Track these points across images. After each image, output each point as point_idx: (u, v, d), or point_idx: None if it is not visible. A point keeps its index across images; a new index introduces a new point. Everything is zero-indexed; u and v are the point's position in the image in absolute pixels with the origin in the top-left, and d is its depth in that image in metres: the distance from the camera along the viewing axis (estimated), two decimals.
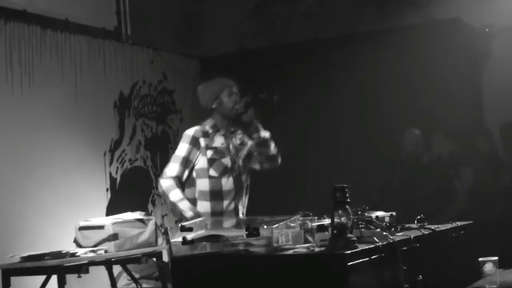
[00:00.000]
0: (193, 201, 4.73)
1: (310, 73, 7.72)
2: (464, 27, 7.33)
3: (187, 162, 4.73)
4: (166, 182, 4.73)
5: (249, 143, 4.91)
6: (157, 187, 7.55)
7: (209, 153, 4.72)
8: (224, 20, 8.53)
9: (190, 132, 4.78)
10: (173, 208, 4.72)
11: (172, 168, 4.74)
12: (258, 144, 4.83)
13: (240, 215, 4.79)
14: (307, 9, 8.29)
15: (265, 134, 4.84)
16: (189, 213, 4.63)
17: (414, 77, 7.17)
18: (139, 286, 6.30)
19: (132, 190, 7.26)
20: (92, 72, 6.92)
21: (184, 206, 4.67)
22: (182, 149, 4.75)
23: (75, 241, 5.41)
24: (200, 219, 4.17)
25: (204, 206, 4.71)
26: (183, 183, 4.78)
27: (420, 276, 3.86)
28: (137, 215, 5.64)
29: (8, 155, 5.99)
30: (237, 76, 5.00)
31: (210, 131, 4.78)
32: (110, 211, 6.74)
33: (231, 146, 4.83)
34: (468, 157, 6.70)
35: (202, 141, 4.74)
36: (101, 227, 5.33)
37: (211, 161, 4.71)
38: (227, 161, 4.77)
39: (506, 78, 7.24)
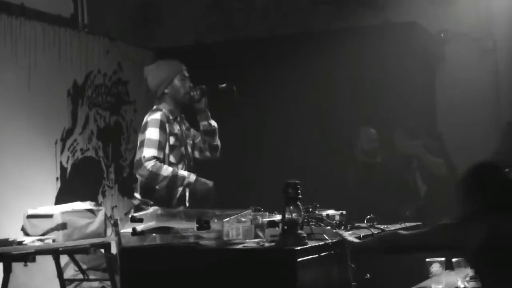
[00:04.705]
0: (150, 187, 4.59)
1: (266, 70, 7.71)
2: (420, 31, 7.40)
3: (162, 146, 4.54)
4: (149, 163, 4.45)
5: (192, 130, 4.87)
6: (107, 178, 7.55)
7: (172, 139, 4.61)
8: (181, 13, 8.49)
9: (157, 116, 4.58)
10: (172, 180, 4.48)
11: (149, 152, 4.48)
12: (205, 132, 4.80)
13: (187, 203, 4.72)
14: (264, 5, 8.30)
15: (214, 123, 4.82)
16: (192, 177, 4.51)
17: (369, 78, 7.21)
18: (86, 277, 6.25)
19: (83, 180, 7.18)
20: (46, 59, 6.82)
21: (184, 172, 4.53)
22: (153, 133, 4.53)
23: (23, 229, 5.35)
24: (152, 209, 4.15)
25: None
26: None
27: (368, 275, 3.90)
28: (87, 205, 5.60)
29: None
30: (192, 70, 4.95)
31: (171, 116, 4.66)
32: (59, 200, 6.65)
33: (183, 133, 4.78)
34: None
35: (167, 127, 4.61)
36: (49, 216, 5.27)
37: (172, 148, 4.60)
38: (183, 148, 4.73)
39: (458, 82, 7.37)
